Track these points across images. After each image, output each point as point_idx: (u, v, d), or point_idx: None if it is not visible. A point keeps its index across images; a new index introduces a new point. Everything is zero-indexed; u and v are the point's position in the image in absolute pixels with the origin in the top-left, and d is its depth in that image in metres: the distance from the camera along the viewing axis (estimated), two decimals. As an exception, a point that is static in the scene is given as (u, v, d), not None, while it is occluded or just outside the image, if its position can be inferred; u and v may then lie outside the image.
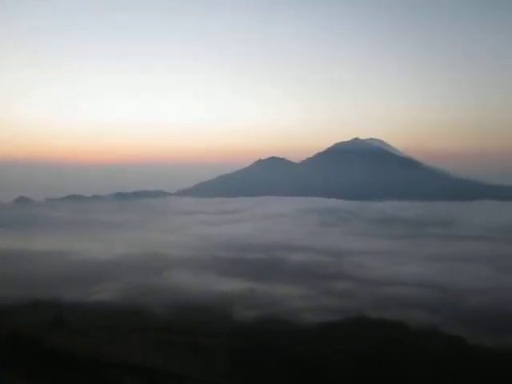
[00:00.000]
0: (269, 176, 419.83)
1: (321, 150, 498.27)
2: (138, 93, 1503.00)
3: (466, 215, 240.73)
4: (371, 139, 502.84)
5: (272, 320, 69.90)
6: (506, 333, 67.90)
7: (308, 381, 36.09)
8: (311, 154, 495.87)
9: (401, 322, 59.57)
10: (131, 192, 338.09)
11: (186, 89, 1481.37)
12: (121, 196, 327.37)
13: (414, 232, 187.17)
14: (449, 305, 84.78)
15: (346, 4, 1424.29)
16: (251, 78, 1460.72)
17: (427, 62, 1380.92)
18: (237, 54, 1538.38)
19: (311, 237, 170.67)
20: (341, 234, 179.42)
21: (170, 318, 68.68)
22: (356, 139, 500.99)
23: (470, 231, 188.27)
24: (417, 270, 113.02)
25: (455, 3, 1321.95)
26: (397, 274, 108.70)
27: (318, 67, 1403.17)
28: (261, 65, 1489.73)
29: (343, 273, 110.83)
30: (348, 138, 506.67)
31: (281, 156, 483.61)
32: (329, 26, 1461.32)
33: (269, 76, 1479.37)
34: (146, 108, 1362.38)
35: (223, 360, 41.53)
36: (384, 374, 34.29)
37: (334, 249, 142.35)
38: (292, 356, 40.54)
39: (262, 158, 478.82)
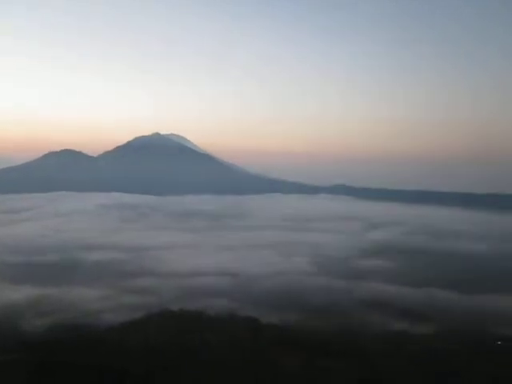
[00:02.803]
0: (62, 170, 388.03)
1: (120, 144, 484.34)
2: None
3: (258, 207, 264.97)
4: (172, 134, 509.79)
5: (70, 326, 65.38)
6: (289, 310, 78.07)
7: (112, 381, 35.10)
8: (110, 148, 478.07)
9: (201, 310, 62.44)
10: None
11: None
12: None
13: (212, 224, 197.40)
14: (243, 290, 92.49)
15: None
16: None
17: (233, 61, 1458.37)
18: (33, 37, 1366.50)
19: (111, 234, 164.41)
20: (141, 230, 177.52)
21: None
22: (157, 134, 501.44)
23: (261, 221, 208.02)
24: (215, 261, 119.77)
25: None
26: (197, 265, 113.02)
27: (125, 56, 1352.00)
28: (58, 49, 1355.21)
29: (145, 269, 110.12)
30: (149, 133, 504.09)
31: (76, 149, 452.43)
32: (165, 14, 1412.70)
33: (63, 62, 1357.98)
34: None
35: (19, 379, 36.86)
36: (183, 362, 35.62)
37: (135, 245, 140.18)
38: (95, 360, 38.73)
39: (54, 151, 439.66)
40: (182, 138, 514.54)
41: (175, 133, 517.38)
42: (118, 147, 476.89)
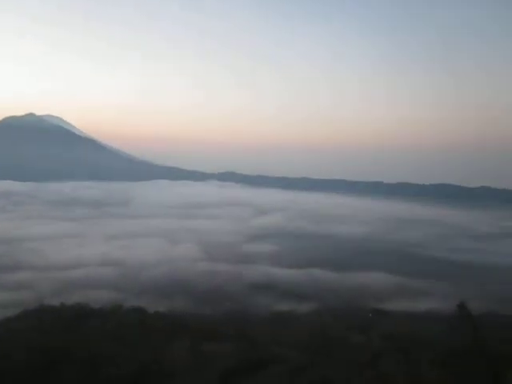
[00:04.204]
0: None
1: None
2: None
3: (144, 194, 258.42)
4: (49, 116, 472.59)
5: None
6: (177, 297, 78.04)
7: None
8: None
9: (83, 304, 59.41)
10: None
11: None
12: None
13: (94, 212, 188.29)
14: (129, 279, 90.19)
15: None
16: None
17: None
18: None
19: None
20: (15, 219, 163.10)
21: None
22: (31, 114, 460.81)
23: (147, 209, 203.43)
24: (99, 251, 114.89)
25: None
26: (79, 256, 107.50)
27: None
28: None
29: (20, 262, 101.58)
30: (21, 113, 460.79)
31: None
32: None
33: None
34: None
35: None
36: (63, 360, 33.91)
37: (8, 236, 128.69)
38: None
39: None
40: (61, 119, 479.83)
41: (53, 114, 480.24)
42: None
